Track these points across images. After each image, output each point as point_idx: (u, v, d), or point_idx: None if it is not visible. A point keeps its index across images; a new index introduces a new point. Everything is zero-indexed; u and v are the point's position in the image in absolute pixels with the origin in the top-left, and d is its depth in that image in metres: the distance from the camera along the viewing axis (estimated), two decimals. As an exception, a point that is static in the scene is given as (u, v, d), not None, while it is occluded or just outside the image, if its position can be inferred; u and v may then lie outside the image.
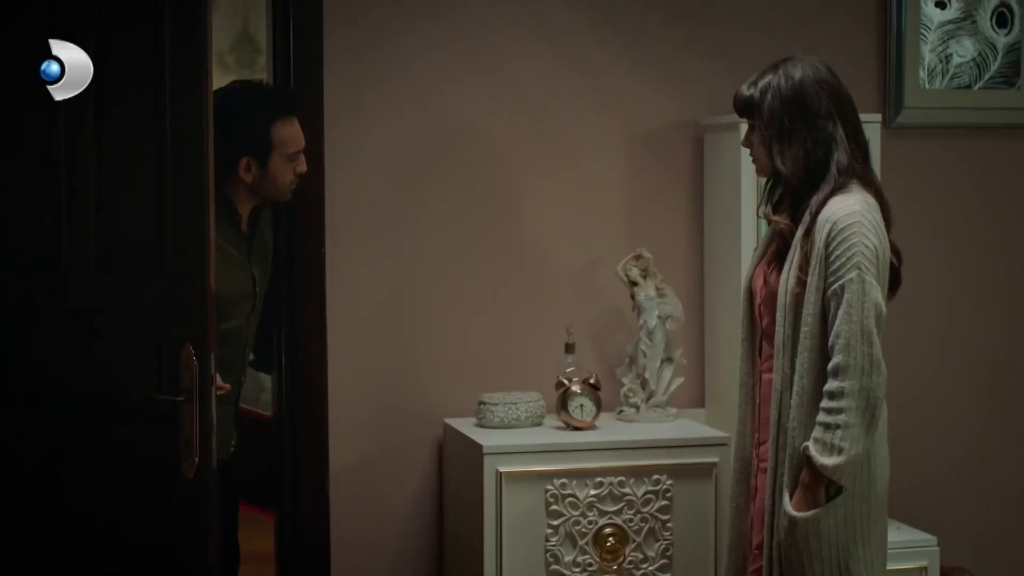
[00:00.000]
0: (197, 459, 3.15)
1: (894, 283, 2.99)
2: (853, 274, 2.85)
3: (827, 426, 2.83)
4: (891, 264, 2.96)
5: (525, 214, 3.97)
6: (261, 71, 6.64)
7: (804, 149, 2.98)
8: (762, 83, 3.03)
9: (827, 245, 2.88)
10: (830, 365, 2.85)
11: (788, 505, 2.91)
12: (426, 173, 3.91)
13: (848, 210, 2.89)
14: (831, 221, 2.89)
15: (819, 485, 2.87)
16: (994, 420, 4.32)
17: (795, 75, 3.00)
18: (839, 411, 2.82)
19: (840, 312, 2.84)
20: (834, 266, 2.87)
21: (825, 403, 2.85)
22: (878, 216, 2.93)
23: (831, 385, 2.84)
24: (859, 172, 2.97)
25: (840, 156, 2.96)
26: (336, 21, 3.81)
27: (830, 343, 2.86)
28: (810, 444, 2.86)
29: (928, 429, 4.23)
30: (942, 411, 4.25)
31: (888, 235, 2.96)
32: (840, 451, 2.82)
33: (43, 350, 3.29)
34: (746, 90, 3.06)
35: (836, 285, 2.86)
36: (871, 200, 2.94)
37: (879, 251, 2.88)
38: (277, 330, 3.87)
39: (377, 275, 3.88)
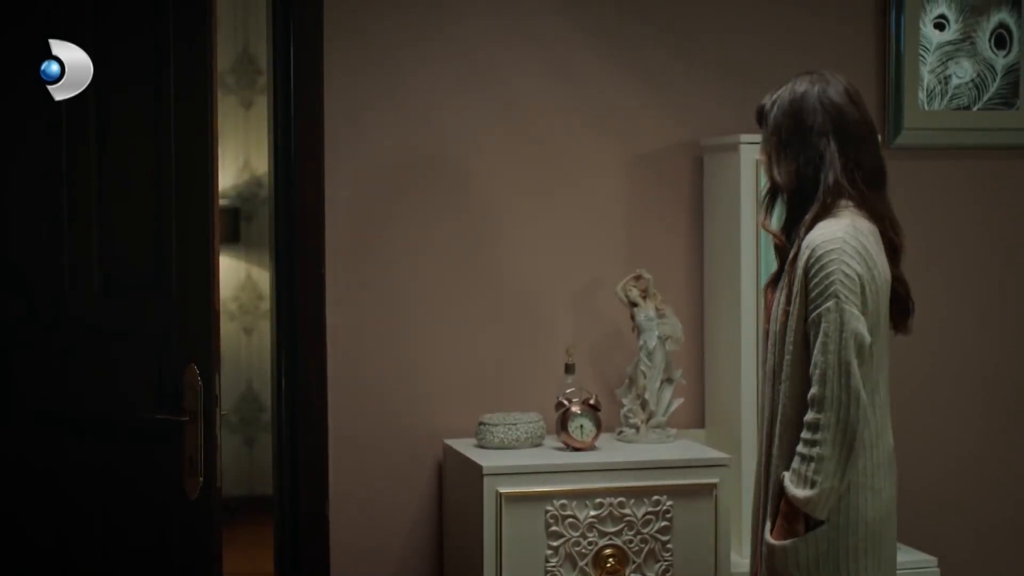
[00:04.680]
0: (202, 479, 3.16)
1: (902, 312, 2.96)
2: (830, 303, 2.79)
3: (803, 458, 2.80)
4: (897, 293, 2.93)
5: (525, 234, 3.98)
6: (261, 90, 6.66)
7: (797, 164, 2.95)
8: (775, 94, 3.03)
9: (806, 272, 2.85)
10: (808, 396, 2.81)
11: (768, 533, 2.91)
12: (426, 193, 3.91)
13: (828, 236, 2.84)
14: (811, 247, 2.85)
15: (797, 516, 2.84)
16: (996, 443, 4.31)
17: (799, 89, 2.99)
18: (814, 443, 2.78)
19: (818, 342, 2.80)
20: (813, 294, 2.83)
21: (804, 434, 2.81)
22: (868, 242, 2.86)
23: (809, 416, 2.80)
24: (855, 195, 2.91)
25: (828, 175, 2.91)
26: (336, 40, 3.82)
27: (810, 373, 2.82)
28: (787, 475, 2.85)
29: (929, 450, 4.22)
30: (943, 433, 4.25)
31: (898, 263, 2.93)
32: (813, 484, 2.79)
33: (46, 368, 3.29)
34: (764, 100, 3.06)
35: (814, 314, 2.81)
36: (862, 225, 2.88)
37: (863, 279, 2.81)
38: (277, 351, 3.88)
39: (377, 295, 3.88)
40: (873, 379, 2.87)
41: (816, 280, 2.82)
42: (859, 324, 2.78)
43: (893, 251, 2.95)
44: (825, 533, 2.85)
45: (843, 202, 2.92)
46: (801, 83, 3.00)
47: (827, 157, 2.93)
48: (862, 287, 2.81)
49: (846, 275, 2.80)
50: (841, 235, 2.83)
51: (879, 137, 3.05)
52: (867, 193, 2.94)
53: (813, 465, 2.78)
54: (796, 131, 2.97)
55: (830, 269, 2.81)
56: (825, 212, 2.91)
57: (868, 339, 2.79)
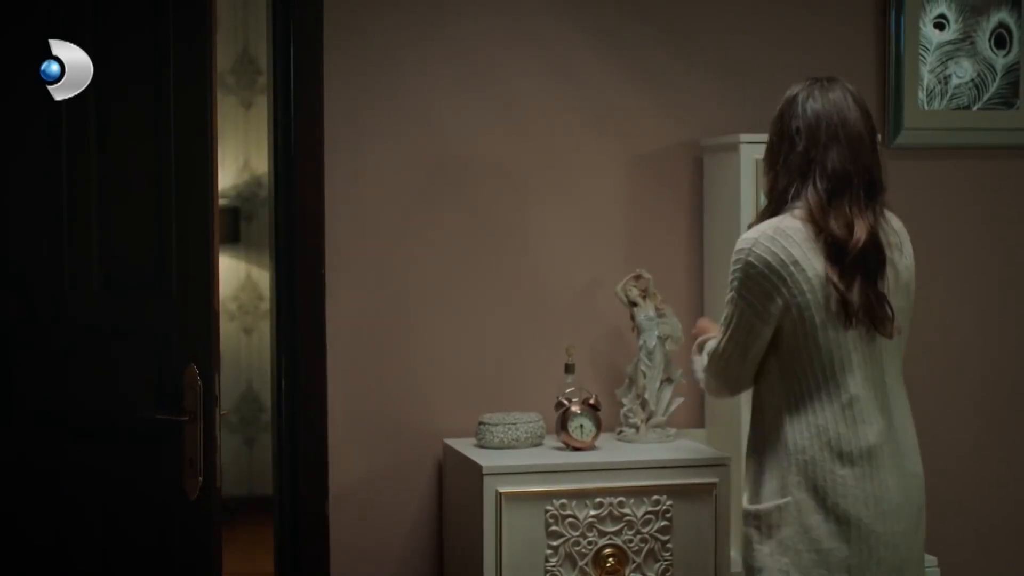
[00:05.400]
0: (201, 479, 3.16)
1: (846, 314, 2.92)
2: (732, 294, 2.97)
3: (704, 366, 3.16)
4: (837, 296, 2.91)
5: (525, 234, 3.98)
6: (261, 91, 6.67)
7: (774, 170, 3.01)
8: None
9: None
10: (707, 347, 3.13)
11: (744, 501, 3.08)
12: (426, 193, 3.92)
13: (747, 235, 2.96)
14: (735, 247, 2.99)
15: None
16: (997, 443, 4.31)
17: (790, 94, 3.02)
18: (705, 371, 3.15)
19: (720, 324, 3.03)
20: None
21: (704, 356, 3.16)
22: (789, 241, 2.90)
23: (706, 355, 3.14)
24: (807, 199, 2.93)
25: (780, 179, 2.98)
26: (336, 40, 3.82)
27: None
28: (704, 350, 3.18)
29: (929, 450, 4.19)
30: (943, 432, 4.24)
31: (843, 270, 2.90)
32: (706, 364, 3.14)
33: (46, 368, 3.29)
34: None
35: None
36: (789, 224, 2.92)
37: (774, 275, 2.90)
38: (277, 350, 3.88)
39: (376, 295, 3.89)
40: (823, 372, 2.94)
41: (729, 273, 2.98)
42: (742, 326, 2.96)
43: (842, 254, 2.91)
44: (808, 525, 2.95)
45: (796, 204, 2.95)
46: (794, 88, 3.02)
47: (788, 163, 2.97)
48: (772, 283, 2.91)
49: (747, 274, 2.93)
50: (756, 235, 2.94)
51: (876, 144, 3.02)
52: (825, 197, 2.93)
53: (706, 366, 3.15)
54: (778, 136, 3.01)
55: (737, 266, 2.95)
56: (771, 215, 2.98)
57: (761, 334, 2.95)
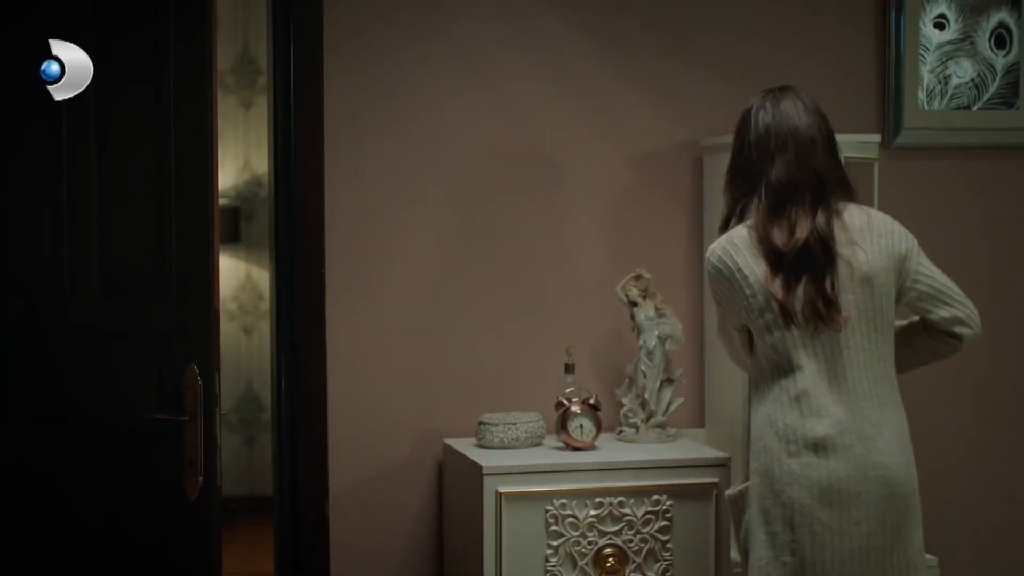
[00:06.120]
0: (201, 479, 3.16)
1: (784, 315, 3.05)
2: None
3: None
4: (775, 299, 3.05)
5: (525, 234, 3.98)
6: (261, 91, 6.67)
7: (736, 183, 3.17)
8: None
9: None
10: None
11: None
12: (426, 192, 3.92)
13: (711, 245, 3.17)
14: None
15: None
16: (997, 442, 4.31)
17: (744, 108, 3.18)
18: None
19: None
20: None
21: None
22: (734, 247, 3.11)
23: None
24: (754, 208, 3.10)
25: (737, 192, 3.16)
26: (336, 40, 3.82)
27: None
28: None
29: (929, 450, 4.21)
30: (943, 432, 4.24)
31: (788, 272, 3.04)
32: None
33: (46, 369, 3.30)
34: None
35: None
36: (737, 232, 3.12)
37: (730, 278, 3.11)
38: (277, 350, 3.88)
39: (376, 295, 3.89)
40: (784, 356, 3.08)
41: None
42: (722, 320, 3.25)
43: (782, 258, 3.06)
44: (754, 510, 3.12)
45: (749, 214, 3.12)
46: (750, 101, 3.18)
47: (745, 171, 3.14)
48: (727, 288, 3.13)
49: (711, 280, 3.18)
50: (715, 246, 3.17)
51: (832, 144, 3.14)
52: (768, 208, 3.08)
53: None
54: (736, 151, 3.17)
55: (705, 274, 3.23)
56: (732, 225, 3.17)
57: (736, 323, 3.19)
